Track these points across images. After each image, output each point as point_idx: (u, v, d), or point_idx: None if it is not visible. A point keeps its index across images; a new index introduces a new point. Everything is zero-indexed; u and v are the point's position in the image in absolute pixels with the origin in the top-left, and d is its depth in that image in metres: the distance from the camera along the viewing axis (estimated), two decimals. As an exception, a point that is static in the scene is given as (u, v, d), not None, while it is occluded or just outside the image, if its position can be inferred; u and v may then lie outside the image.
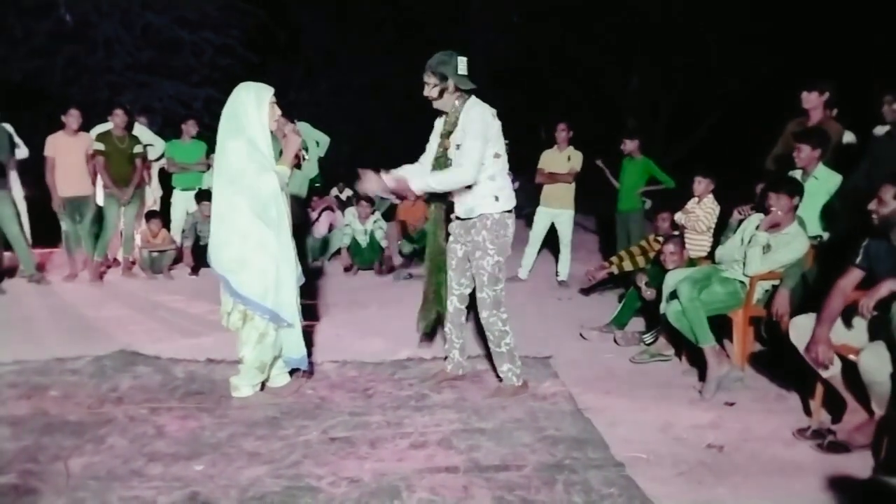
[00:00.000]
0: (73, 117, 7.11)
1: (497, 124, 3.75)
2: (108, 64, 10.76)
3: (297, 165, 4.00)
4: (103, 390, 3.95)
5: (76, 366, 4.38)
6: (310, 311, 5.59)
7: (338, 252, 8.09)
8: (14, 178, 7.13)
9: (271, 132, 3.75)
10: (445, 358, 4.18)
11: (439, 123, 3.93)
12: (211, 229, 3.73)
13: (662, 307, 4.38)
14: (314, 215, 8.37)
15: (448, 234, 4.05)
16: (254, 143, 3.60)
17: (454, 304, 4.05)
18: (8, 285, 6.83)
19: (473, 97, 3.81)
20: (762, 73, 13.05)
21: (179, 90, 11.09)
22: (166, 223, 7.91)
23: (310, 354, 4.13)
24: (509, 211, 3.82)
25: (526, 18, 14.66)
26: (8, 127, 7.03)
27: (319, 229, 8.36)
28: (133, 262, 7.59)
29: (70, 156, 7.06)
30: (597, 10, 13.87)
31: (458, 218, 3.94)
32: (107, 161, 7.14)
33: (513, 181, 4.00)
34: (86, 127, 7.37)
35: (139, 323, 5.61)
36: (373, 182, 3.73)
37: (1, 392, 3.90)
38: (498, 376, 3.98)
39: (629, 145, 7.31)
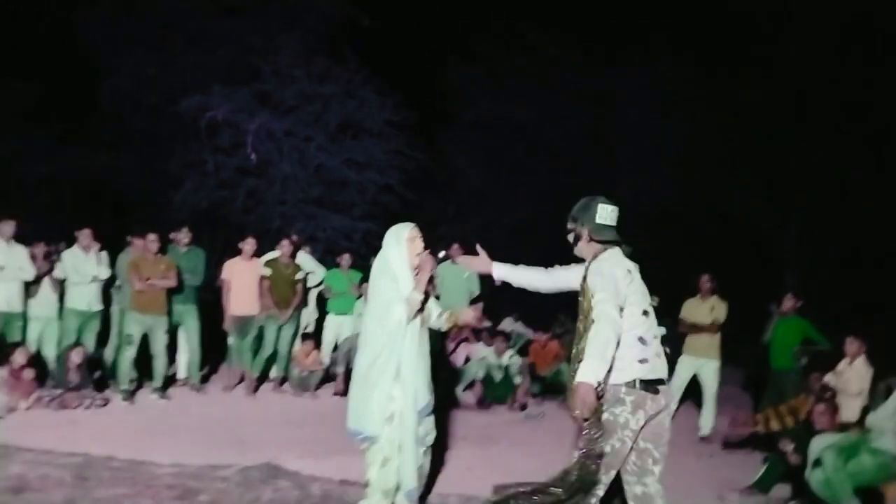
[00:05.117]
0: (249, 245, 7.98)
1: (629, 281, 3.28)
2: (283, 198, 12.03)
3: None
4: (247, 499, 4.25)
5: (226, 474, 4.74)
6: (440, 443, 5.71)
7: (472, 384, 8.21)
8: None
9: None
10: None
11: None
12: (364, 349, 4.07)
13: (807, 473, 4.12)
14: (451, 345, 8.62)
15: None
16: (395, 277, 3.97)
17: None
18: (173, 392, 7.51)
19: (611, 250, 3.38)
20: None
21: (342, 223, 12.10)
22: (318, 345, 8.43)
23: (437, 485, 4.21)
24: (632, 384, 3.18)
25: (676, 161, 14.79)
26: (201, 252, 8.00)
27: (456, 360, 8.57)
28: (284, 380, 8.11)
29: (243, 279, 7.83)
30: (754, 154, 13.81)
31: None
32: (271, 285, 7.84)
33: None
34: (258, 251, 8.19)
35: (284, 438, 5.95)
36: (476, 263, 3.83)
37: (159, 492, 4.29)
38: None
39: (790, 303, 7.08)
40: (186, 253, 7.79)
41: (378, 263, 4.09)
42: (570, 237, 3.48)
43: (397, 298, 3.91)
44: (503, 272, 3.81)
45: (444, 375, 8.21)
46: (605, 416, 3.13)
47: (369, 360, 3.91)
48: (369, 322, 4.03)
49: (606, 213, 3.37)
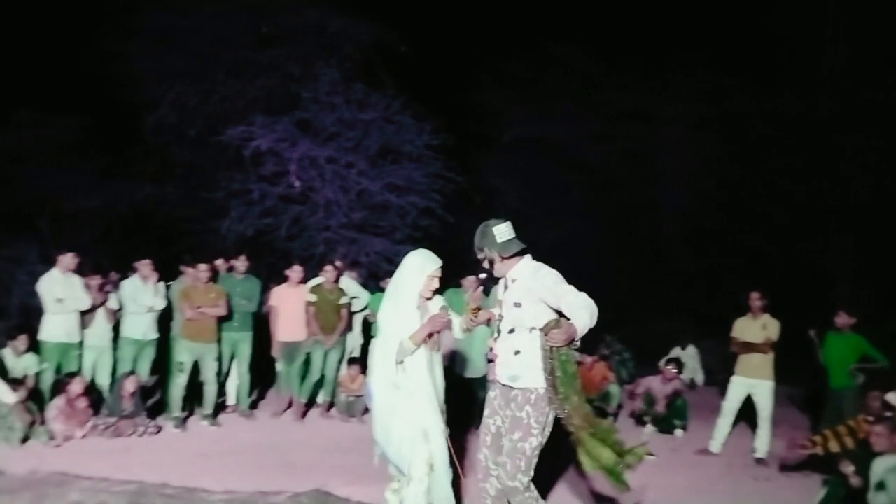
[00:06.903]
0: (296, 272, 8.05)
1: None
2: (326, 223, 12.15)
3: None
4: (299, 527, 4.24)
5: (277, 500, 4.77)
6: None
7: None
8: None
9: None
10: None
11: (499, 289, 3.93)
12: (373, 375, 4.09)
13: (870, 497, 3.99)
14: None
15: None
16: (398, 306, 3.92)
17: (495, 486, 3.83)
18: (222, 418, 7.59)
19: (525, 259, 3.79)
20: None
21: (384, 247, 12.15)
22: (364, 370, 8.45)
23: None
24: None
25: (717, 177, 14.58)
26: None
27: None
28: (331, 405, 8.13)
29: (290, 305, 7.89)
30: (798, 167, 13.58)
31: (497, 383, 3.82)
32: (317, 311, 7.88)
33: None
34: (304, 278, 8.23)
35: (333, 464, 5.97)
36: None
37: (212, 519, 4.32)
38: None
39: (844, 319, 6.95)
40: (243, 280, 7.93)
41: (393, 283, 4.04)
42: (486, 264, 3.81)
43: (395, 336, 3.87)
44: None
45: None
46: (539, 413, 3.62)
47: (384, 391, 3.93)
48: (376, 349, 4.04)
49: (503, 231, 3.72)
